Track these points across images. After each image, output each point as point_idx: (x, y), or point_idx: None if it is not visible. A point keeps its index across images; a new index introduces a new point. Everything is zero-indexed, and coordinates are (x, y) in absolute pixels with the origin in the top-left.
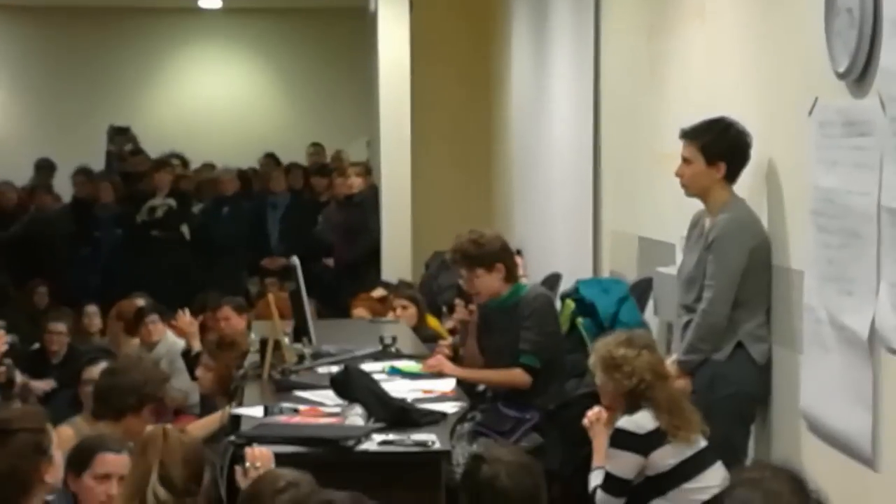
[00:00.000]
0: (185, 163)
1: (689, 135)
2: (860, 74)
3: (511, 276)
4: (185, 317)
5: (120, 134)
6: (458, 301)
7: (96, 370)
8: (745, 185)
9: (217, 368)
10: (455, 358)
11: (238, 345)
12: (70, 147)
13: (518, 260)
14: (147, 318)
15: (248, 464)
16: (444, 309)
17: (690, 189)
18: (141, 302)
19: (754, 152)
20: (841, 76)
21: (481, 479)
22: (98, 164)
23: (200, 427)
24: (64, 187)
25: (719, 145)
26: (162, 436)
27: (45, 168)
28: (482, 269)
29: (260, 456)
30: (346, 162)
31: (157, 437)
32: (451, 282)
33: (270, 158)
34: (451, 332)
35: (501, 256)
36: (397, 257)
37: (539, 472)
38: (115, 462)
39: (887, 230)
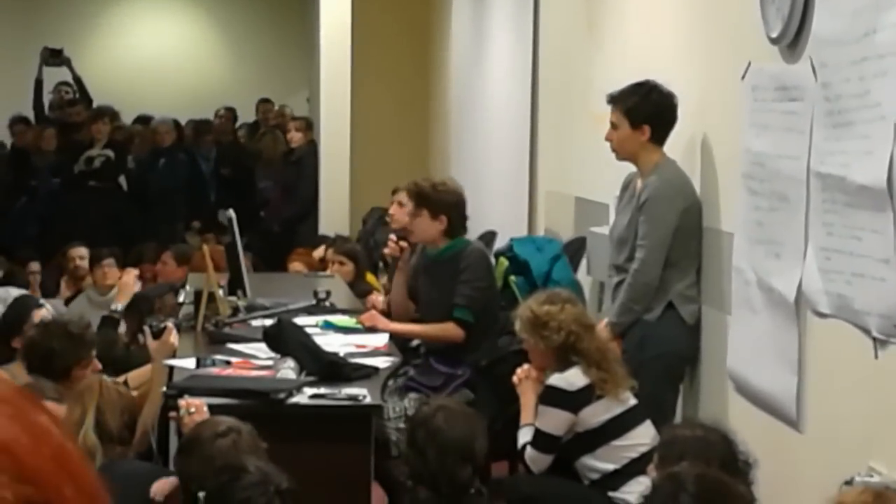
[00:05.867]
0: (114, 117)
1: (615, 99)
2: (792, 40)
3: (452, 231)
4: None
5: (54, 56)
6: (391, 235)
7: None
8: (678, 146)
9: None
10: (389, 313)
11: None
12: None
13: None
14: (104, 262)
15: (182, 411)
16: (381, 264)
17: (619, 153)
18: (82, 251)
19: (687, 115)
20: (774, 41)
21: (419, 417)
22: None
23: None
24: None
25: (643, 109)
26: (98, 386)
27: None
28: (427, 211)
29: (195, 403)
30: (288, 117)
31: (93, 386)
32: (387, 237)
33: (230, 112)
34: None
35: (449, 210)
36: (335, 212)
37: (478, 426)
38: (54, 410)
39: (816, 194)
